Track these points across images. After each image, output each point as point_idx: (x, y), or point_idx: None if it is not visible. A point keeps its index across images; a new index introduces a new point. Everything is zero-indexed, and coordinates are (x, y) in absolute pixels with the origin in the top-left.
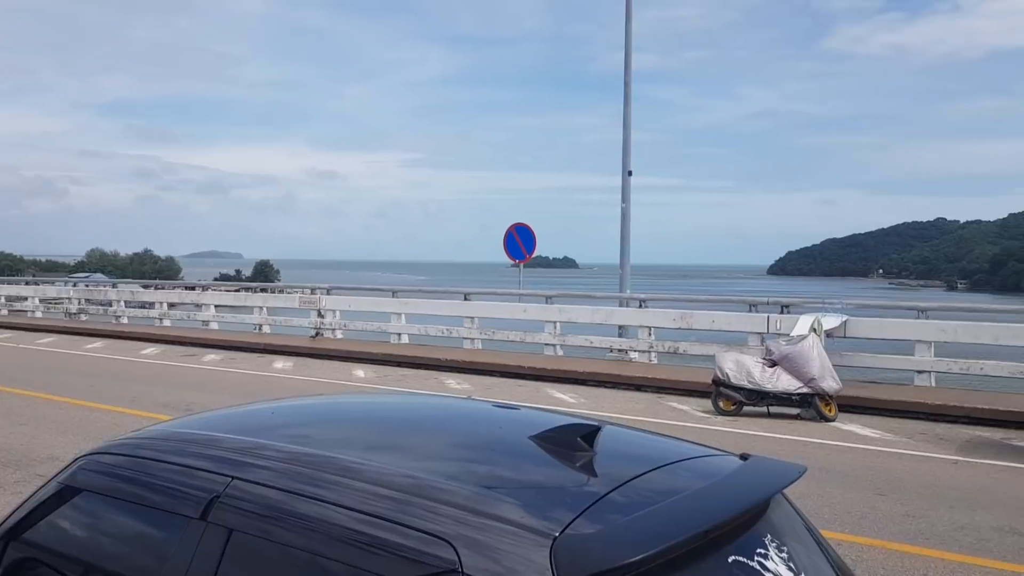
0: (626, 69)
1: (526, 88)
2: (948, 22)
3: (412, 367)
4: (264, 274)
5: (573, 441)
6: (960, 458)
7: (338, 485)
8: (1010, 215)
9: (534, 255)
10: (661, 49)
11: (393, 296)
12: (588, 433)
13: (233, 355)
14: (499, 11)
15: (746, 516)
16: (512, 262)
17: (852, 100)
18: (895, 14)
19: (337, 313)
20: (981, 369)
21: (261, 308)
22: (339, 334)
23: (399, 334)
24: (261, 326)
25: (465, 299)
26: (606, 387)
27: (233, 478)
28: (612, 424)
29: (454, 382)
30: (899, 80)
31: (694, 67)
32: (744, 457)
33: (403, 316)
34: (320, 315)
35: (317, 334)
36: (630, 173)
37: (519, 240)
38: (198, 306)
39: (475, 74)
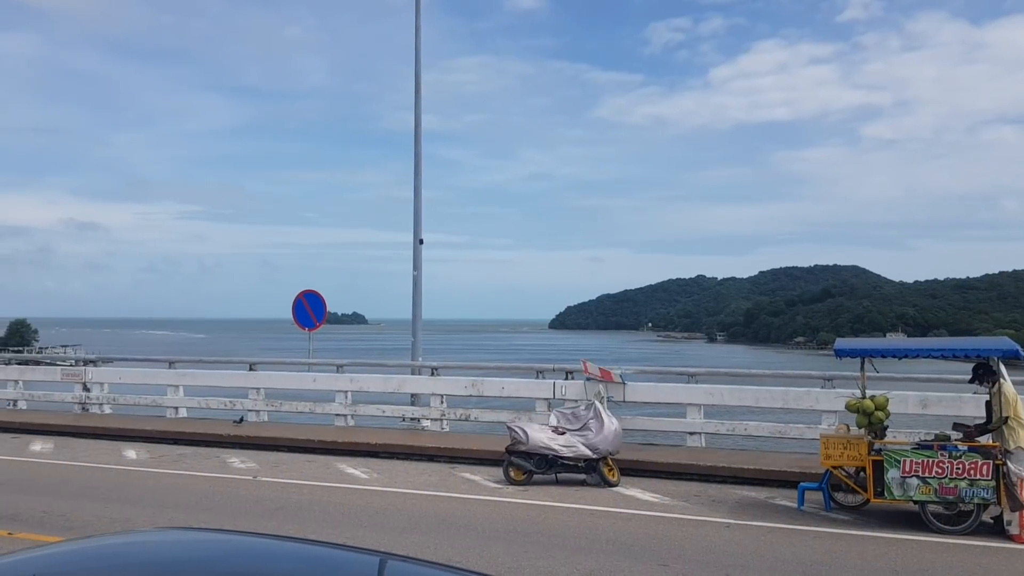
0: (416, 140)
1: (310, 143)
2: (700, 97)
3: (191, 444)
4: (20, 335)
5: None
6: (732, 521)
7: None
8: (760, 273)
9: (324, 322)
10: (444, 111)
11: (170, 367)
12: None
13: None
14: (284, 66)
15: None
16: (302, 329)
17: (618, 165)
18: (654, 88)
19: (105, 386)
20: (745, 429)
21: (16, 382)
22: (107, 409)
23: (176, 408)
24: (16, 401)
25: (250, 369)
26: (399, 459)
27: None
28: (412, 564)
29: (238, 460)
30: (659, 149)
31: (475, 129)
32: None
33: (181, 389)
34: (86, 389)
35: (83, 410)
36: (421, 241)
37: (308, 307)
38: None
39: (258, 127)
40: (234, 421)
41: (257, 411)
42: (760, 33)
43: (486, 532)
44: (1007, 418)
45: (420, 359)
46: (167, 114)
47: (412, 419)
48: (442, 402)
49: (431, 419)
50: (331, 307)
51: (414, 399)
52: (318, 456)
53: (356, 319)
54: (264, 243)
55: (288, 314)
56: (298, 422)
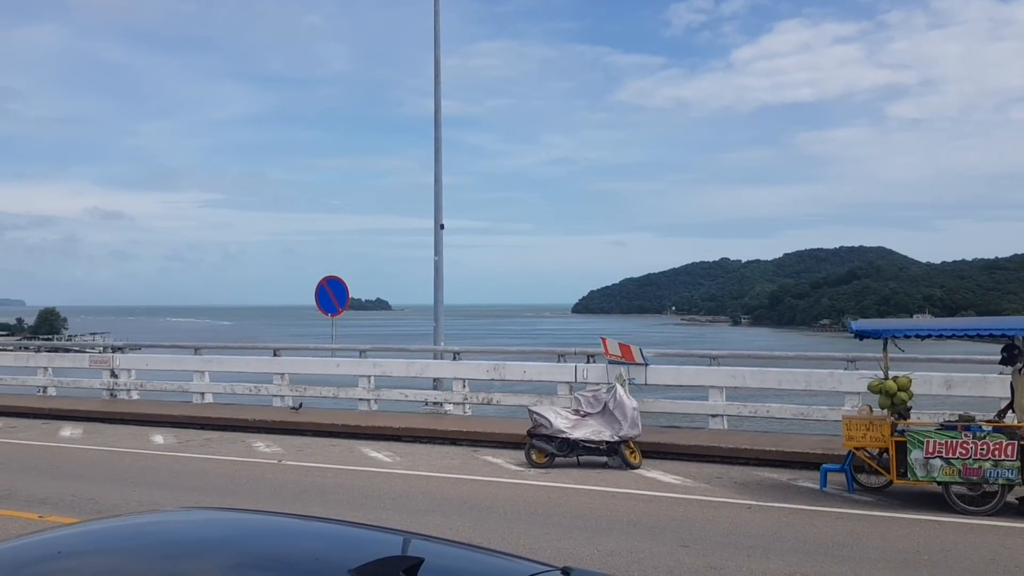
0: (436, 126)
1: (332, 130)
2: (723, 79)
3: (217, 429)
4: (50, 323)
5: None
6: (754, 502)
7: None
8: (784, 255)
9: (347, 308)
10: (465, 96)
11: (195, 353)
12: (411, 567)
13: (12, 423)
14: (305, 53)
15: None
16: (324, 315)
17: (641, 149)
18: (676, 70)
19: (133, 373)
20: (768, 412)
21: (46, 369)
22: (135, 395)
23: (202, 393)
24: (46, 388)
25: (275, 355)
26: (422, 442)
27: None
28: (431, 543)
29: (263, 444)
30: (682, 131)
31: (497, 114)
32: (567, 572)
33: (207, 374)
34: (114, 375)
35: (111, 396)
36: (442, 227)
37: (331, 293)
38: None
39: (279, 114)
40: (292, 408)
41: (282, 396)
42: (783, 13)
43: (508, 514)
44: None
45: (442, 344)
46: (190, 103)
47: (434, 403)
48: (464, 386)
49: (453, 403)
50: (355, 293)
51: (436, 383)
52: (342, 440)
53: (380, 305)
54: (287, 230)
55: (311, 300)
56: (322, 407)
